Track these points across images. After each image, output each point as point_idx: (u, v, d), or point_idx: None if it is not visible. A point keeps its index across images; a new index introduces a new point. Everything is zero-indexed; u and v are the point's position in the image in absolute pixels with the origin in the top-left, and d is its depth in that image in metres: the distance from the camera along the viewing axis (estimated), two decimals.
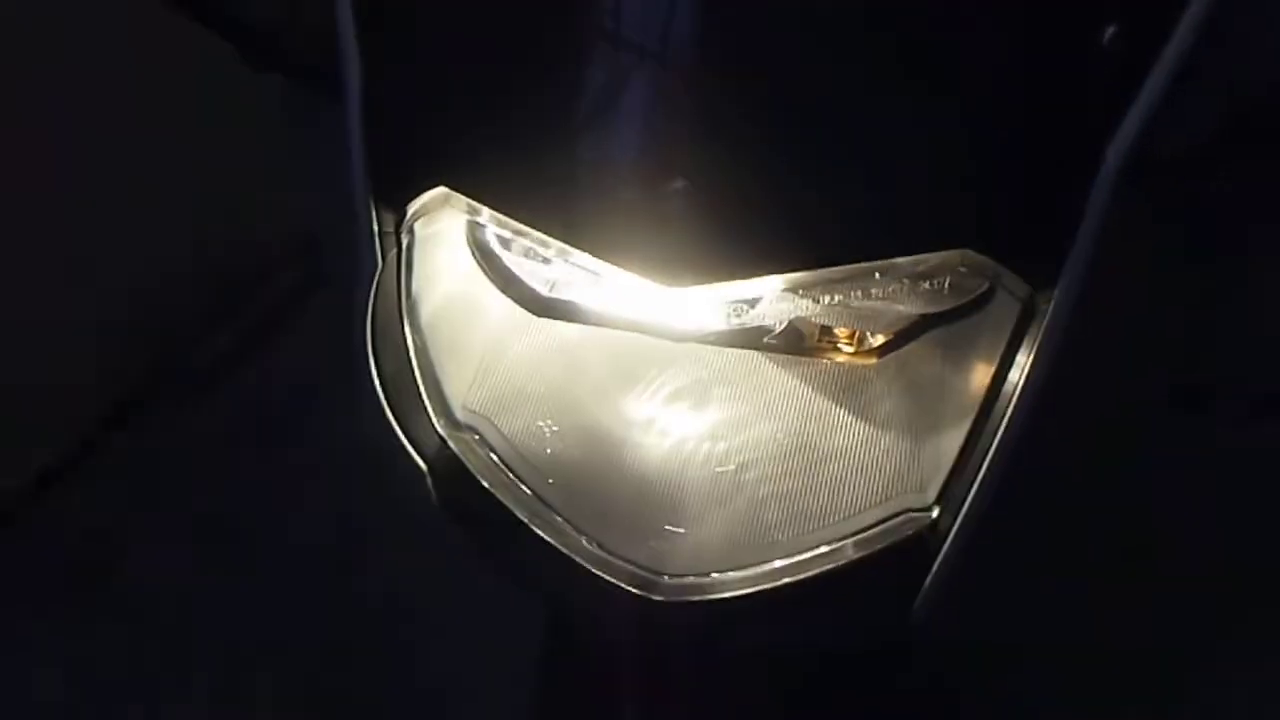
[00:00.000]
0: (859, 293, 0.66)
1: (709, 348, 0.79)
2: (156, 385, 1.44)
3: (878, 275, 0.64)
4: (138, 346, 1.42)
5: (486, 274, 0.75)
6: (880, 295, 0.66)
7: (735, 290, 0.63)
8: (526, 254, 0.75)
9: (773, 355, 0.78)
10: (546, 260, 0.70)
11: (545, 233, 0.64)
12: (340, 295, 0.74)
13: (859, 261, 0.62)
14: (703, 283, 0.62)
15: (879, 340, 0.75)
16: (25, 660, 1.20)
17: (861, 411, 0.76)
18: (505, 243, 0.75)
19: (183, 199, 1.40)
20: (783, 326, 0.74)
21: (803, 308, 0.74)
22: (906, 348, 0.74)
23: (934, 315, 0.72)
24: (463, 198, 0.67)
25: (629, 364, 0.79)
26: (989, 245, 0.63)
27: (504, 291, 0.75)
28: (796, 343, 0.75)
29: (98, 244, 1.35)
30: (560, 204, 0.63)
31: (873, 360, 0.75)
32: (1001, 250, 0.63)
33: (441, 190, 0.68)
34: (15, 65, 1.23)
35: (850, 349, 0.76)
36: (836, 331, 0.76)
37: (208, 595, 1.23)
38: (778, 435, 0.76)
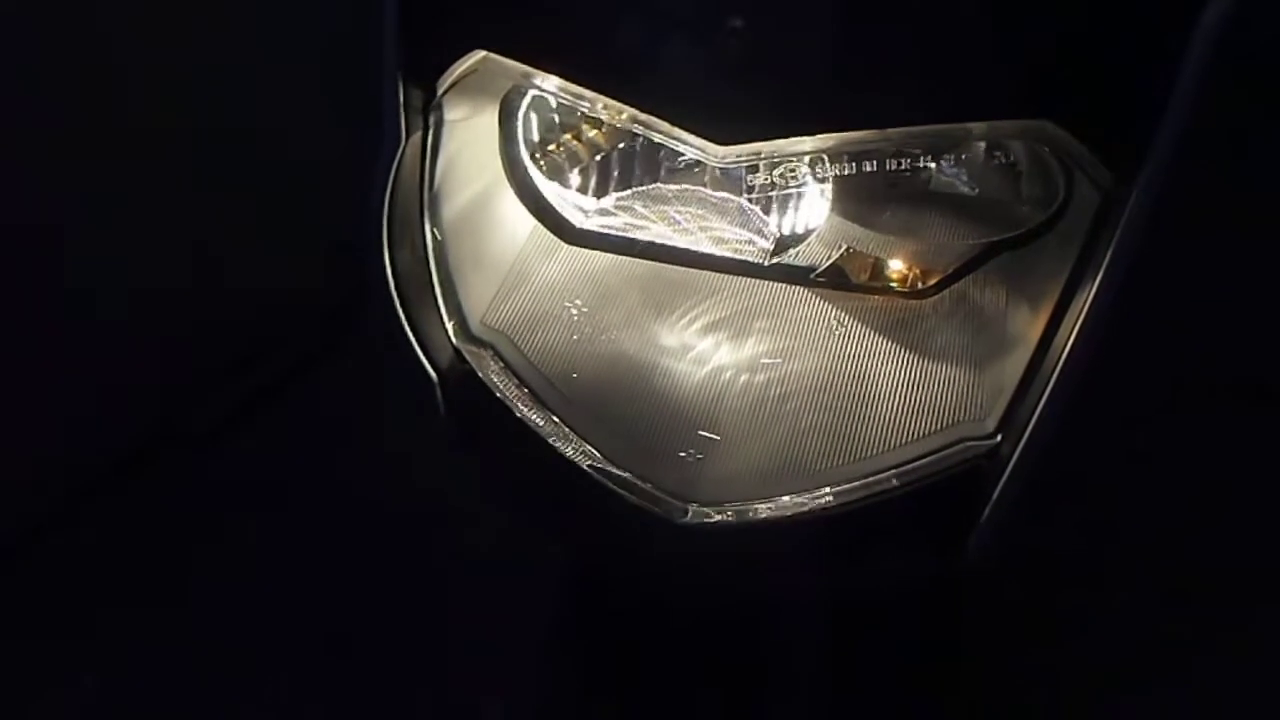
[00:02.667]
0: (928, 160, 0.61)
1: (751, 281, 0.73)
2: (155, 444, 1.33)
3: (948, 144, 0.59)
4: (137, 401, 1.32)
5: (518, 196, 0.70)
6: (950, 166, 0.61)
7: (791, 147, 0.58)
8: (560, 178, 0.70)
9: (820, 291, 0.72)
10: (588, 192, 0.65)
11: (587, 87, 0.60)
12: (356, 364, 0.69)
13: (928, 123, 0.57)
14: (758, 139, 0.57)
15: (932, 280, 0.69)
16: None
17: (916, 343, 0.70)
18: (539, 162, 0.71)
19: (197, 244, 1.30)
20: (829, 262, 0.69)
21: (856, 236, 0.69)
22: (964, 280, 0.69)
23: (995, 245, 0.67)
24: (499, 61, 0.62)
25: (665, 294, 0.74)
26: (1069, 119, 0.58)
27: (535, 216, 0.70)
28: (845, 281, 0.70)
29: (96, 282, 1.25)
30: (603, 54, 0.59)
31: (928, 296, 0.70)
32: (1082, 126, 0.58)
33: (474, 63, 0.64)
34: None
35: (903, 289, 0.70)
36: (889, 273, 0.70)
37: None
38: (824, 366, 0.70)
